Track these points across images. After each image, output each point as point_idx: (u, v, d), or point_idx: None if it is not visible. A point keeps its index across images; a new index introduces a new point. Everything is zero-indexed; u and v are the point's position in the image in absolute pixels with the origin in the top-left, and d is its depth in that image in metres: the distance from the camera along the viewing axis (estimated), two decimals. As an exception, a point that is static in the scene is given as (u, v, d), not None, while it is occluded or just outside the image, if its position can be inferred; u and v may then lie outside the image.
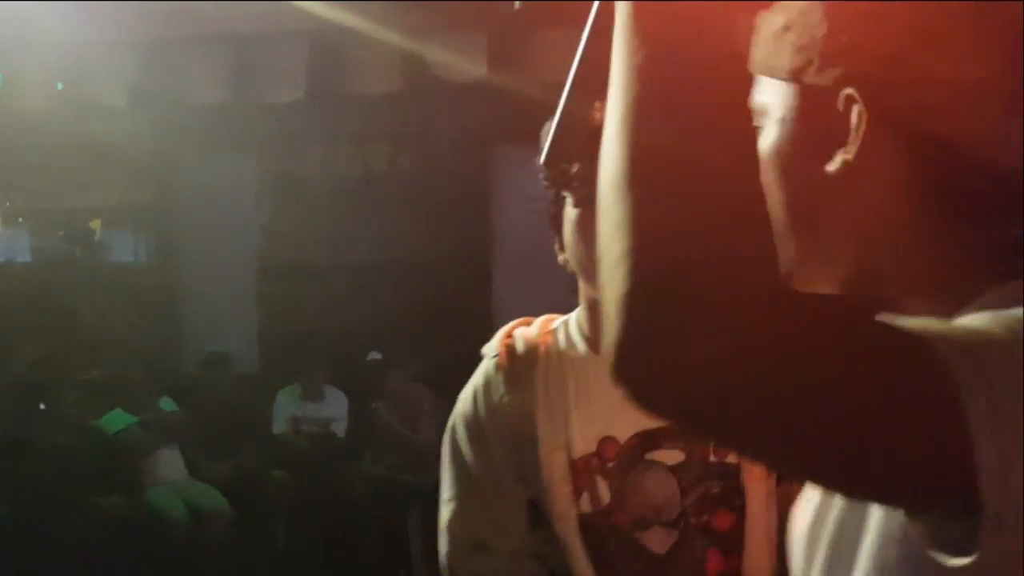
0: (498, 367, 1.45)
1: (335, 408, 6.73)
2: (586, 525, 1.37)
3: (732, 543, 1.34)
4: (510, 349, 1.46)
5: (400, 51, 4.93)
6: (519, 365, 1.44)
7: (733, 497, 1.34)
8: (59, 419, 6.09)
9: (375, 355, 6.69)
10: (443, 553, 1.53)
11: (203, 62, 5.05)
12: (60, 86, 5.53)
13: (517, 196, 7.11)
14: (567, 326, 1.46)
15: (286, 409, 6.67)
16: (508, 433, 1.43)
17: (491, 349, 1.48)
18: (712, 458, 1.34)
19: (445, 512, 1.52)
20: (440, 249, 8.69)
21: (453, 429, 1.50)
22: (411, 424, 6.44)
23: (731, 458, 1.33)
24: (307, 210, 9.11)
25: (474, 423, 1.47)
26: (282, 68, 5.01)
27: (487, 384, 1.46)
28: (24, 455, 5.84)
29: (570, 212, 1.36)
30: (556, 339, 1.45)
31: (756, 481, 1.32)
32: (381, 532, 6.02)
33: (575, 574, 1.37)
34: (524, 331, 1.48)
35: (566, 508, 1.37)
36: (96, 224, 11.93)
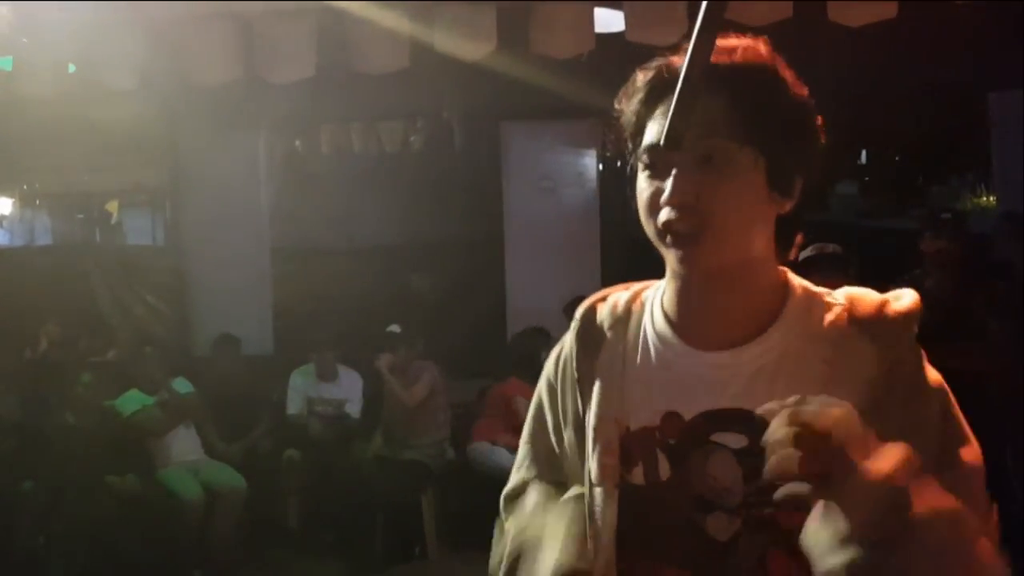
0: (576, 330, 1.44)
1: (349, 389, 6.75)
2: (637, 498, 1.34)
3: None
4: (592, 313, 1.44)
5: (408, 27, 4.89)
6: (597, 330, 1.42)
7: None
8: (75, 400, 6.12)
9: (395, 328, 6.71)
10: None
11: (210, 41, 5.03)
12: (72, 68, 5.51)
13: (528, 173, 7.10)
14: (656, 294, 1.42)
15: (300, 389, 6.69)
16: (573, 396, 1.43)
17: (579, 311, 1.46)
18: None
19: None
20: (452, 228, 8.69)
21: (539, 384, 1.52)
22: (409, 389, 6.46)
23: None
24: (319, 190, 9.13)
25: (550, 383, 1.49)
26: (289, 47, 4.98)
27: (567, 347, 1.46)
28: (41, 436, 5.88)
29: (640, 178, 1.30)
30: (642, 307, 1.42)
31: None
32: (394, 511, 6.06)
33: (597, 549, 1.34)
34: (616, 295, 1.45)
35: (606, 478, 1.34)
36: (113, 206, 12.00)
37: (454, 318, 7.12)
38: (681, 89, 1.15)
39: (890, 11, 4.49)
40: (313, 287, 8.06)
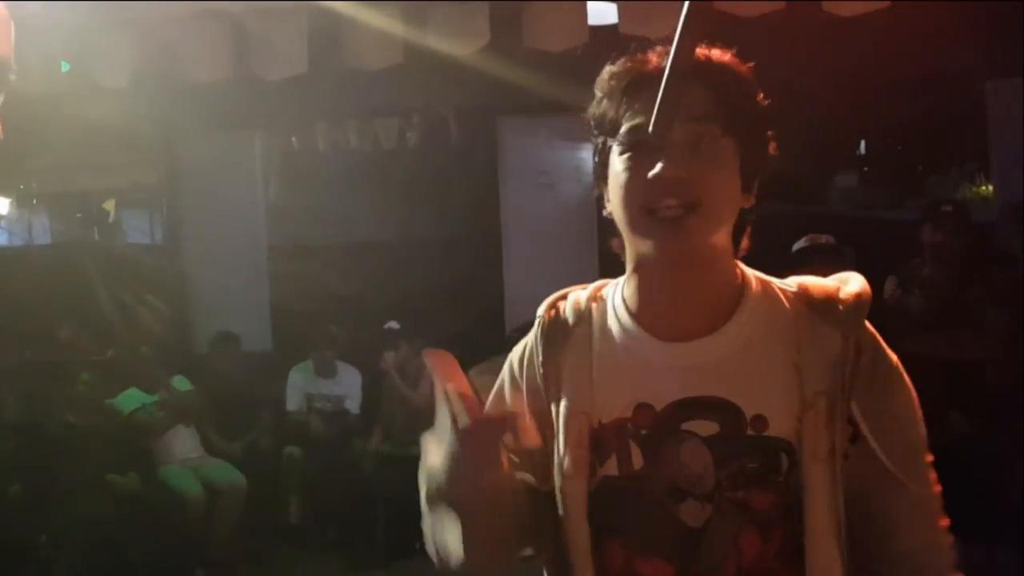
0: (541, 328, 1.45)
1: (348, 385, 6.75)
2: (611, 489, 1.36)
3: (771, 523, 1.32)
4: (556, 311, 1.45)
5: (401, 23, 4.88)
6: (561, 327, 1.43)
7: (771, 474, 1.31)
8: (75, 399, 6.13)
9: (393, 324, 6.70)
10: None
11: (202, 39, 5.02)
12: (66, 67, 5.50)
13: (525, 168, 7.10)
14: (615, 290, 1.44)
15: (299, 386, 6.69)
16: (538, 394, 1.43)
17: (540, 309, 1.47)
18: (749, 432, 1.31)
19: None
20: (449, 224, 8.68)
21: (500, 380, 1.51)
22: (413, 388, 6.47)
23: (768, 433, 1.30)
24: (315, 187, 9.11)
25: (515, 381, 1.48)
26: (282, 43, 4.97)
27: (530, 345, 1.46)
28: (42, 435, 5.89)
29: (616, 162, 1.33)
30: (603, 303, 1.44)
31: (818, 463, 1.29)
32: (395, 507, 6.06)
33: (570, 540, 1.36)
34: (576, 293, 1.47)
35: (578, 470, 1.36)
36: (110, 205, 11.98)
37: (452, 313, 7.11)
38: (668, 79, 1.17)
39: (883, 2, 4.49)
40: (311, 284, 8.05)
